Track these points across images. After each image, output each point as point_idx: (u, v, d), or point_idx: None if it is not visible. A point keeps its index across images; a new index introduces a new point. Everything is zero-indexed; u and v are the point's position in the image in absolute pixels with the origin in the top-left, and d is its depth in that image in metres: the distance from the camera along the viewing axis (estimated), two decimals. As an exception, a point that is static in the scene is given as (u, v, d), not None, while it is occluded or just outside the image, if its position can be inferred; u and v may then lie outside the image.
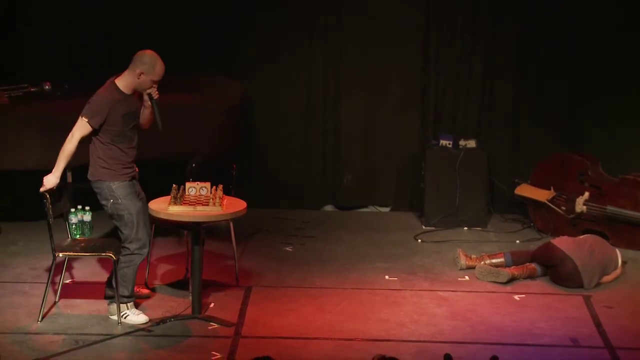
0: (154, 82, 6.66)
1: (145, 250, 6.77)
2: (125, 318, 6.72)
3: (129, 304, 6.76)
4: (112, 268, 6.77)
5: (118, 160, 6.69)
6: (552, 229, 8.68)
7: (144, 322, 6.71)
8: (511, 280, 7.54)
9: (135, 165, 6.83)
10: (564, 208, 8.64)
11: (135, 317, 6.74)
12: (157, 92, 6.71)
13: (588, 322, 6.87)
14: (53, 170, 6.66)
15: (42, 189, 6.65)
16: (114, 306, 6.74)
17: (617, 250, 7.82)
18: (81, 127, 6.60)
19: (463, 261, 7.81)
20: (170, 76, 9.04)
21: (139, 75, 6.61)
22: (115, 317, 6.72)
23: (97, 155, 6.68)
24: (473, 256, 7.88)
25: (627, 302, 7.25)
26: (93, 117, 6.57)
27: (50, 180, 6.66)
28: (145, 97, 6.73)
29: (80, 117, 6.61)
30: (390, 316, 6.90)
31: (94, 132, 6.63)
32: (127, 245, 6.70)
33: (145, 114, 6.81)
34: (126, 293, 6.75)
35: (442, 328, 6.72)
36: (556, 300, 7.26)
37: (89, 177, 6.76)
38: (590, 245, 7.61)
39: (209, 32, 9.28)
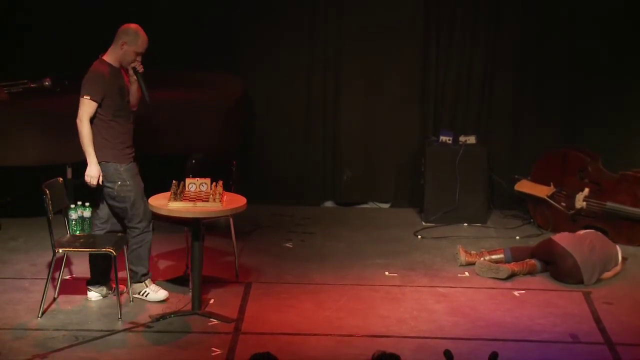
0: (137, 54, 6.74)
1: (151, 227, 6.92)
2: (146, 296, 6.91)
3: (147, 282, 6.93)
4: (113, 265, 6.78)
5: (120, 139, 6.77)
6: (552, 225, 8.68)
7: (165, 297, 6.92)
8: (511, 276, 7.54)
9: (133, 148, 6.92)
10: (563, 204, 8.64)
11: (155, 294, 6.94)
12: (141, 65, 6.79)
13: (588, 318, 6.87)
14: (88, 162, 6.73)
15: (91, 183, 6.73)
16: (136, 285, 6.93)
17: (618, 247, 7.82)
18: (86, 107, 6.66)
19: (463, 257, 7.81)
20: (170, 73, 9.12)
21: (122, 45, 6.71)
22: (137, 296, 6.91)
23: (101, 136, 6.73)
24: (473, 252, 7.88)
25: (627, 299, 7.25)
26: (95, 94, 6.64)
27: (93, 171, 6.73)
28: (131, 72, 6.81)
29: (81, 99, 6.66)
30: (390, 312, 6.90)
31: (96, 111, 6.69)
32: (136, 225, 6.82)
33: (132, 90, 6.88)
34: (144, 270, 6.92)
35: (442, 324, 6.72)
36: (556, 297, 7.26)
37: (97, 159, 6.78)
38: (590, 241, 7.61)
39: (209, 32, 9.28)
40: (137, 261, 6.91)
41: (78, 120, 6.68)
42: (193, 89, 8.73)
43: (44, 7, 9.23)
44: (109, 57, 6.76)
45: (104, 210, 6.97)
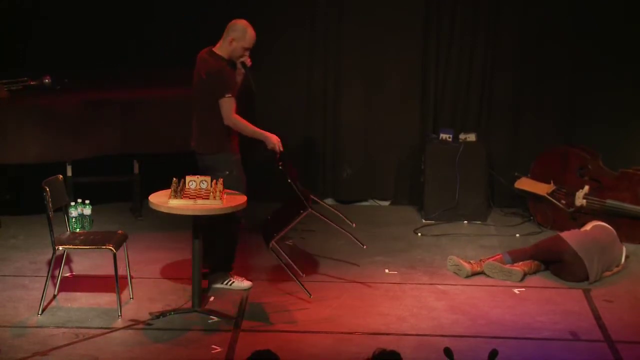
0: (245, 49, 6.97)
1: (238, 221, 7.10)
2: (230, 285, 7.15)
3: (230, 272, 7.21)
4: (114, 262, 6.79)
5: (233, 132, 6.97)
6: (552, 223, 8.68)
7: (249, 287, 7.17)
8: (524, 277, 7.48)
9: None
10: (563, 202, 8.64)
11: (240, 283, 7.19)
12: (249, 59, 7.01)
13: (588, 315, 6.87)
14: (264, 138, 6.94)
15: (279, 148, 6.92)
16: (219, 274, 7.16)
17: (623, 247, 7.79)
18: (230, 105, 6.86)
19: (468, 267, 7.53)
20: (171, 71, 9.11)
21: (231, 42, 6.94)
22: (219, 285, 7.14)
23: (219, 127, 6.90)
24: (472, 261, 7.67)
25: (627, 296, 7.25)
26: (231, 89, 6.88)
27: (273, 139, 6.94)
28: (239, 66, 7.04)
29: (221, 98, 6.83)
30: (390, 310, 6.91)
31: (216, 104, 6.85)
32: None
33: (237, 81, 7.08)
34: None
35: (442, 322, 6.72)
36: (556, 294, 7.26)
37: (204, 150, 7.00)
38: (601, 243, 7.53)
39: (210, 31, 9.24)
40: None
41: (229, 122, 6.86)
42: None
43: (44, 6, 9.23)
44: (221, 51, 6.99)
45: None
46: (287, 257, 7.09)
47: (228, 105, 6.86)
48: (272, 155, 7.04)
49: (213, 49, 7.01)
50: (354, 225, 7.31)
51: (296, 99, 9.43)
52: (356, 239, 7.25)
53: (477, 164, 8.97)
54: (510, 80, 9.32)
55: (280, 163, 6.99)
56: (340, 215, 7.44)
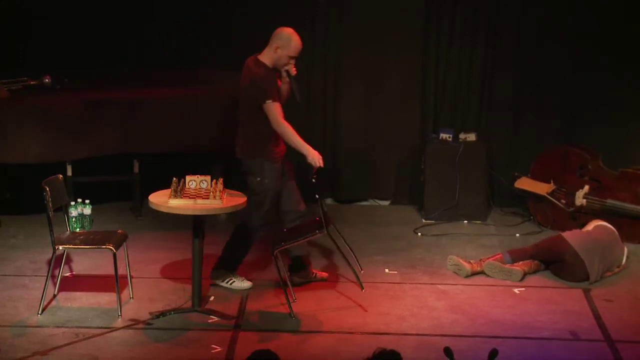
0: (290, 57, 6.92)
1: (261, 229, 7.11)
2: (230, 284, 7.15)
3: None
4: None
5: (273, 136, 6.92)
6: (552, 223, 8.68)
7: (249, 287, 7.16)
8: (524, 277, 7.47)
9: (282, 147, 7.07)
10: (563, 201, 8.64)
11: (240, 282, 7.17)
12: (294, 68, 6.96)
13: (588, 315, 6.87)
14: (305, 151, 6.89)
15: (320, 164, 6.86)
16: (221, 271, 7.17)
17: (625, 248, 7.78)
18: (276, 110, 6.84)
19: (468, 267, 7.53)
20: (171, 71, 9.11)
21: (276, 49, 6.88)
22: (221, 283, 7.16)
23: (257, 133, 6.91)
24: (472, 261, 7.67)
25: (627, 296, 7.26)
26: (273, 95, 6.84)
27: (316, 155, 6.89)
28: (284, 74, 6.98)
29: (265, 104, 6.81)
30: (390, 310, 6.91)
31: (259, 110, 6.83)
32: (250, 220, 7.01)
33: (282, 89, 7.03)
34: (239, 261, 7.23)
35: (442, 321, 6.72)
36: (556, 294, 7.26)
37: (242, 154, 7.01)
38: (602, 244, 7.52)
39: (210, 31, 9.28)
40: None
41: (277, 128, 6.84)
42: (194, 86, 8.73)
43: (44, 6, 9.23)
44: (265, 58, 6.92)
45: (286, 203, 7.16)
46: (286, 273, 7.04)
47: (273, 110, 6.83)
48: (308, 168, 6.98)
49: (258, 56, 6.96)
50: (363, 290, 7.25)
51: (296, 100, 9.40)
52: (358, 279, 7.19)
53: (477, 164, 8.97)
54: (510, 80, 9.31)
55: (315, 176, 6.92)
56: (353, 255, 7.33)
